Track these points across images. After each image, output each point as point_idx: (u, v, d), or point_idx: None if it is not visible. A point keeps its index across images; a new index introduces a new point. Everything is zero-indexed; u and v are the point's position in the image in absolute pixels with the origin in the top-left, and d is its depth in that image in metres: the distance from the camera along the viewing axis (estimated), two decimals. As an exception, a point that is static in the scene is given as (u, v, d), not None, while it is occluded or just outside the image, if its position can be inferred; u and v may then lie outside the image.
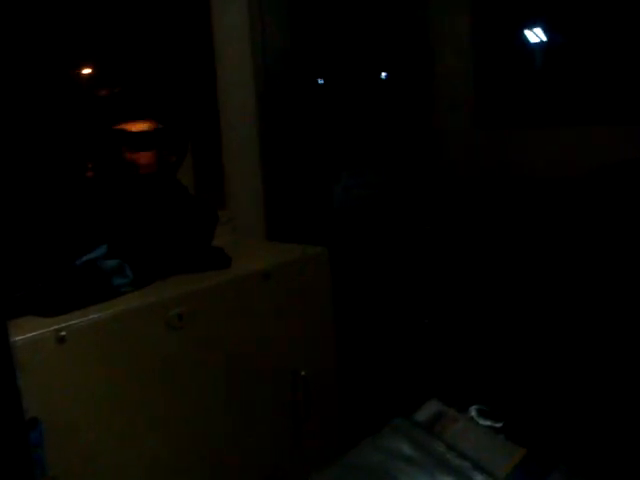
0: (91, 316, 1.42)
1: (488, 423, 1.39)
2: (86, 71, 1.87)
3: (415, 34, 2.73)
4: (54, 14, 1.69)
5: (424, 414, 1.41)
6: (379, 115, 2.65)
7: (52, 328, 1.35)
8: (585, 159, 2.25)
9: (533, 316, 2.15)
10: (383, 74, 2.75)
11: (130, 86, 1.87)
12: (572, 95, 2.46)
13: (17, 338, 1.29)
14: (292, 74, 2.37)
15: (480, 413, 1.41)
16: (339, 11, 2.49)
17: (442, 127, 2.70)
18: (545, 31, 2.59)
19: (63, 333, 1.35)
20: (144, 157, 1.75)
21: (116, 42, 1.84)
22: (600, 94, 2.41)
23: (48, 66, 1.63)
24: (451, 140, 2.65)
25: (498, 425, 1.38)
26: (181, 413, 1.59)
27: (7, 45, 1.57)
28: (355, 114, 2.57)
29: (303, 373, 1.85)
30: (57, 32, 1.69)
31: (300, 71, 2.39)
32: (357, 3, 2.59)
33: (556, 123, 2.47)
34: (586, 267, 2.11)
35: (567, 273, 2.15)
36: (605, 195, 2.08)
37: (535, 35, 2.60)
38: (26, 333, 1.31)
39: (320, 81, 2.51)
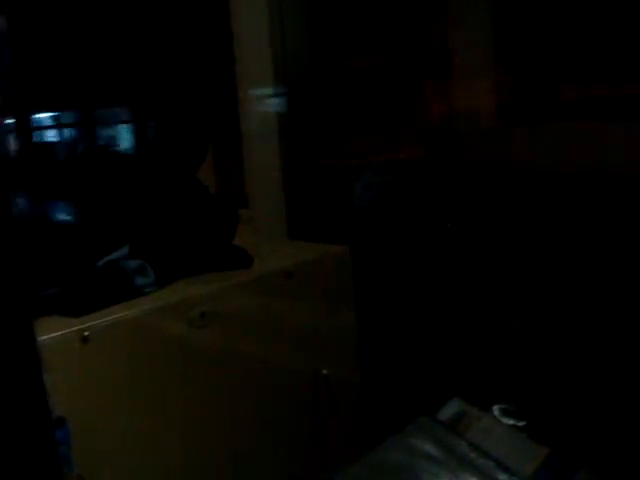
0: (114, 316, 1.43)
1: (511, 422, 1.38)
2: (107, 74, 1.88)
3: (417, 33, 2.72)
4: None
5: (447, 413, 1.41)
6: (398, 112, 2.64)
7: (76, 328, 1.36)
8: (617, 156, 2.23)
9: (557, 313, 2.14)
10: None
11: (152, 88, 1.87)
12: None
13: (42, 338, 1.30)
14: (312, 72, 2.37)
15: (503, 412, 1.41)
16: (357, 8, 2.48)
17: (464, 123, 2.68)
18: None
19: (87, 333, 1.36)
20: None
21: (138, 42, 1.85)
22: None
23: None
24: (474, 137, 2.64)
25: (521, 424, 1.38)
26: (203, 413, 1.59)
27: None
28: (374, 112, 2.56)
29: (325, 372, 1.85)
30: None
31: (320, 70, 2.38)
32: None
33: (583, 118, 2.45)
34: (613, 264, 2.09)
35: (592, 270, 2.13)
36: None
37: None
38: (50, 333, 1.33)
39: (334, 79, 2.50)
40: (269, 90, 2.31)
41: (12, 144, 1.70)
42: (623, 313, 1.96)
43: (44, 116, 1.88)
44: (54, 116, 1.85)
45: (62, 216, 1.59)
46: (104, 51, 1.67)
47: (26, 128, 1.78)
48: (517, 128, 2.36)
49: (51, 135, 1.95)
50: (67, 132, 1.98)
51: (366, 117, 2.54)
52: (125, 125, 1.93)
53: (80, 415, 1.33)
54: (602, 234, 2.11)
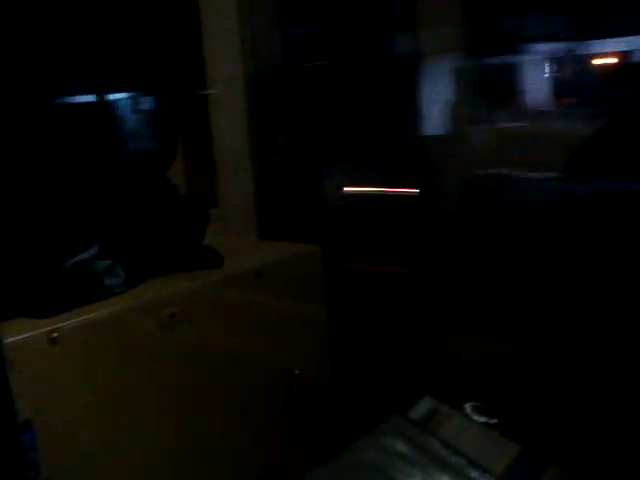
0: (83, 317, 1.41)
1: (483, 420, 1.39)
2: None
3: (398, 32, 2.73)
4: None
5: (419, 411, 1.42)
6: (369, 110, 2.64)
7: (44, 329, 1.34)
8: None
9: (531, 311, 2.15)
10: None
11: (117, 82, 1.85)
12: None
13: (8, 340, 1.28)
14: (282, 69, 2.37)
15: (475, 410, 1.41)
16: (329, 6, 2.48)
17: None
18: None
19: (55, 334, 1.34)
20: None
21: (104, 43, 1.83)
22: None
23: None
24: (439, 135, 2.64)
25: (493, 422, 1.39)
26: (174, 413, 1.58)
27: None
28: (345, 110, 2.56)
29: (297, 372, 1.85)
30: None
31: (290, 67, 2.38)
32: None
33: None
34: (589, 260, 2.11)
35: (569, 268, 2.15)
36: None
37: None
38: (18, 334, 1.31)
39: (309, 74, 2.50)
40: (239, 89, 2.30)
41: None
42: (595, 307, 1.98)
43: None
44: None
45: (29, 216, 1.57)
46: (64, 50, 1.65)
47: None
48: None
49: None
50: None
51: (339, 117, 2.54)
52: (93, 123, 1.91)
53: (49, 418, 1.31)
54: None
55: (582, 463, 1.34)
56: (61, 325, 1.36)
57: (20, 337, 1.31)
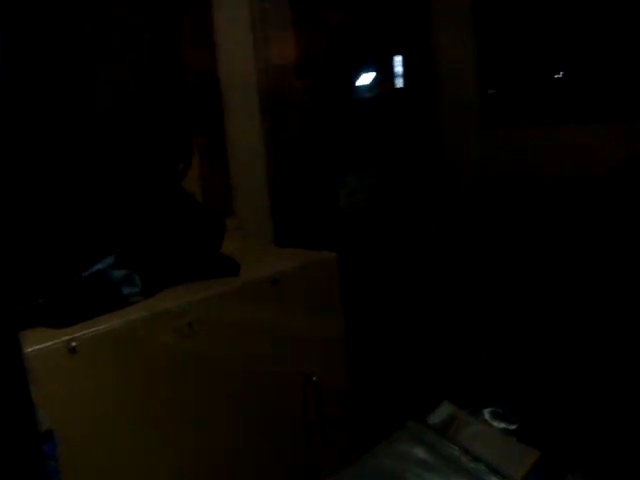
0: (101, 326, 1.42)
1: (502, 425, 1.38)
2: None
3: (415, 33, 2.73)
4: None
5: (437, 417, 1.41)
6: (384, 116, 2.64)
7: (63, 339, 1.35)
8: (595, 157, 2.24)
9: (547, 316, 2.15)
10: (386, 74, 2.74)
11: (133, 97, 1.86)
12: (580, 92, 2.45)
13: (28, 350, 1.29)
14: (296, 76, 2.37)
15: (493, 415, 1.41)
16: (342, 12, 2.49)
17: (447, 127, 2.69)
18: (548, 26, 2.57)
19: (74, 344, 1.35)
20: None
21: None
22: (611, 89, 2.39)
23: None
24: (457, 140, 2.65)
25: (512, 427, 1.38)
26: (193, 421, 1.58)
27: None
28: (359, 116, 2.57)
29: (314, 378, 1.85)
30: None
31: (304, 73, 2.39)
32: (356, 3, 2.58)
33: (564, 121, 2.46)
34: (598, 266, 2.10)
35: (581, 273, 2.14)
36: (624, 194, 2.07)
37: (539, 30, 2.59)
38: (37, 344, 1.31)
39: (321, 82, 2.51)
40: (254, 96, 2.31)
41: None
42: (615, 313, 1.97)
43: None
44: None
45: (47, 226, 1.58)
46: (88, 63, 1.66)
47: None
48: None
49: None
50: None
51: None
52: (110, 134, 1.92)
53: (68, 427, 1.31)
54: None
55: (602, 469, 1.33)
56: (80, 335, 1.37)
57: (39, 347, 1.31)
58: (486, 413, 1.41)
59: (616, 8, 2.34)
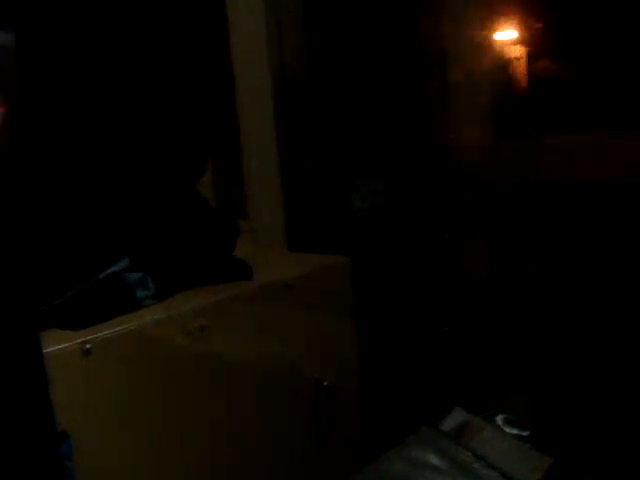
0: (116, 328, 1.42)
1: (515, 432, 1.38)
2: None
3: (427, 36, 2.73)
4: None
5: (450, 423, 1.41)
6: (395, 120, 2.64)
7: (78, 341, 1.35)
8: (605, 165, 2.24)
9: (558, 323, 2.14)
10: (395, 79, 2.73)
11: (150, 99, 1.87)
12: (595, 98, 2.44)
13: (43, 351, 1.29)
14: (309, 82, 2.38)
15: (506, 421, 1.40)
16: (353, 17, 2.48)
17: (460, 133, 2.69)
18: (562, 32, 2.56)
19: (89, 346, 1.35)
20: None
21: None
22: (626, 96, 2.38)
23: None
24: (470, 146, 2.64)
25: (525, 434, 1.38)
26: (205, 425, 1.59)
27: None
28: (370, 120, 2.56)
29: (326, 383, 1.85)
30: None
31: (317, 78, 2.39)
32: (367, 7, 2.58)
33: (577, 128, 2.45)
34: (608, 274, 2.10)
35: (590, 280, 2.14)
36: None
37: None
38: (52, 346, 1.32)
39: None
40: (268, 100, 2.31)
41: None
42: (623, 318, 1.96)
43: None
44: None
45: (63, 228, 1.58)
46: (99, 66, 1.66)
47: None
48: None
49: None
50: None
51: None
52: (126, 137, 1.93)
53: (82, 428, 1.32)
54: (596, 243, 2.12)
55: (615, 476, 1.32)
56: (94, 337, 1.37)
57: (54, 348, 1.32)
58: (499, 419, 1.41)
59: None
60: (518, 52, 2.49)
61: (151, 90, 1.76)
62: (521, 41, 2.49)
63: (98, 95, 1.63)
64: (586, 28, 2.27)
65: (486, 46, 2.59)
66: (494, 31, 2.53)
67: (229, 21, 2.26)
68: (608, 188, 2.15)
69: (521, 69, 2.54)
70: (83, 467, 1.31)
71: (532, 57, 2.50)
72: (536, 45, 2.48)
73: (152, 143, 1.74)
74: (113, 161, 1.69)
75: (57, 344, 1.33)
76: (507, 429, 1.38)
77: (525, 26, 2.49)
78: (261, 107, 2.31)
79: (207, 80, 2.16)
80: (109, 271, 1.56)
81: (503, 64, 2.52)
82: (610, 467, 1.35)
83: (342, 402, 1.91)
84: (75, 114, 1.59)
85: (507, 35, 2.53)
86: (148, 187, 1.75)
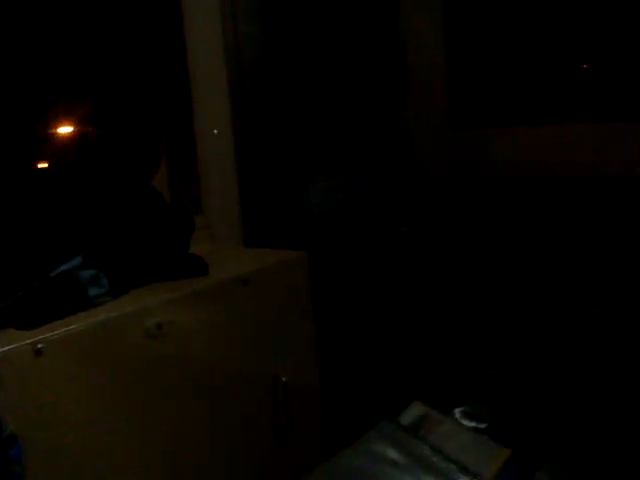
0: (68, 327, 1.39)
1: (473, 424, 1.39)
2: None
3: (386, 29, 2.73)
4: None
5: (408, 417, 1.41)
6: (353, 114, 2.64)
7: (29, 341, 1.32)
8: (562, 158, 2.26)
9: (514, 315, 2.16)
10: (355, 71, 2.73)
11: (101, 94, 1.84)
12: (551, 91, 2.46)
13: (-8, 352, 1.27)
14: (267, 76, 2.36)
15: (465, 415, 1.41)
16: (311, 10, 2.48)
17: (416, 126, 2.70)
18: (523, 23, 2.57)
19: (40, 346, 1.32)
20: None
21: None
22: (582, 90, 2.41)
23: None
24: (426, 140, 2.65)
25: (482, 426, 1.38)
26: (162, 422, 1.57)
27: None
28: (329, 113, 2.56)
29: (284, 379, 1.84)
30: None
31: (275, 73, 2.37)
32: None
33: (531, 121, 2.48)
34: (563, 266, 2.12)
35: (547, 272, 2.16)
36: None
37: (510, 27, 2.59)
38: (2, 347, 1.29)
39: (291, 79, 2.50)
40: (223, 95, 2.29)
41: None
42: (583, 308, 1.98)
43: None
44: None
45: (13, 226, 1.55)
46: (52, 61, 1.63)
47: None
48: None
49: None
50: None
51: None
52: (76, 133, 1.90)
53: (35, 431, 1.29)
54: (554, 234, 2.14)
55: (572, 466, 1.33)
56: (46, 336, 1.34)
57: (4, 349, 1.29)
58: (457, 412, 1.41)
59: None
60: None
61: (101, 83, 1.73)
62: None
63: (44, 89, 1.60)
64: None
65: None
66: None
67: (183, 12, 2.24)
68: (559, 183, 2.18)
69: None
70: (36, 470, 1.28)
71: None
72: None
73: (103, 138, 1.71)
74: (64, 156, 1.66)
75: (7, 344, 1.30)
76: (465, 422, 1.38)
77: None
78: (216, 101, 2.29)
79: (160, 72, 2.14)
80: (61, 269, 1.53)
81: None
82: (568, 458, 1.36)
83: (301, 398, 1.90)
84: (20, 110, 1.57)
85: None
86: (101, 183, 1.72)
